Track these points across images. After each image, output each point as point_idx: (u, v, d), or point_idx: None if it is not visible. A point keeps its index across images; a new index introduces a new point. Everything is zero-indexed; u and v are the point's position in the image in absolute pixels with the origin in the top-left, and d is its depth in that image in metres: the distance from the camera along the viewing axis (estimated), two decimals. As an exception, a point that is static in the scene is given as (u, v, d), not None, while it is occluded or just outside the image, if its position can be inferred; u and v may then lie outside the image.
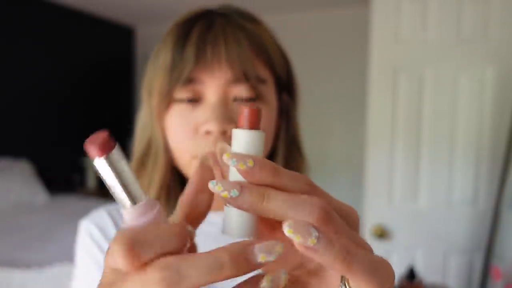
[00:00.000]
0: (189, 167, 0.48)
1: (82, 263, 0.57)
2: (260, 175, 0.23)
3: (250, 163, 0.23)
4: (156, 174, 0.50)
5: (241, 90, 0.47)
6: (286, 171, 0.24)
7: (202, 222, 0.49)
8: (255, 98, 0.48)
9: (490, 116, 1.52)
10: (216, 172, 0.27)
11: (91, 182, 3.66)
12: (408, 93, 1.54)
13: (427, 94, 1.54)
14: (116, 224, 0.57)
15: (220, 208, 0.52)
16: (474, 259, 1.58)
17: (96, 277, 0.54)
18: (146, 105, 0.52)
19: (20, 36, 3.25)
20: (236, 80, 0.46)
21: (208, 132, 0.46)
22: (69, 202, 3.03)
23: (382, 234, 1.55)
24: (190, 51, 0.45)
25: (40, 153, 3.34)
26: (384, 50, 1.53)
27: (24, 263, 1.91)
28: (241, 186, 0.23)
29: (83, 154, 3.70)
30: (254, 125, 0.25)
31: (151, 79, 0.50)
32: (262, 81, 0.48)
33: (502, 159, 1.48)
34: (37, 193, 3.02)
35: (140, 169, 0.52)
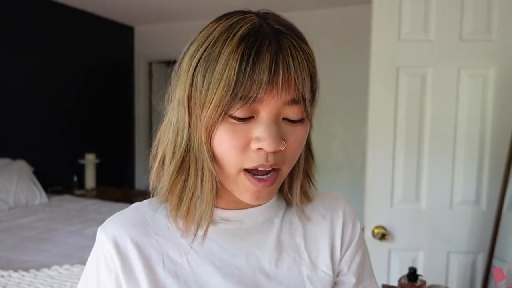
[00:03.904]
0: (234, 178, 0.50)
1: (86, 282, 0.56)
2: None
3: None
4: (205, 183, 0.51)
5: (293, 112, 0.49)
6: None
7: (221, 220, 0.56)
8: (303, 119, 0.50)
9: (492, 116, 1.51)
10: None
11: (89, 183, 3.63)
12: (409, 93, 1.53)
13: (428, 94, 1.53)
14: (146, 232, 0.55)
15: (236, 207, 0.56)
16: (476, 261, 1.57)
17: None
18: (183, 109, 0.50)
19: (19, 36, 3.23)
20: (292, 102, 0.48)
21: (260, 149, 0.47)
22: (67, 203, 3.02)
23: (383, 235, 1.53)
24: (262, 73, 0.45)
25: (38, 154, 3.32)
26: (385, 50, 1.52)
27: (21, 264, 1.89)
28: None
29: (81, 154, 3.68)
30: None
31: (201, 89, 0.48)
32: (310, 102, 0.51)
33: (504, 159, 1.47)
34: (35, 194, 3.00)
35: (178, 173, 0.52)
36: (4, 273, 1.75)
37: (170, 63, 0.57)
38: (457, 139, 1.53)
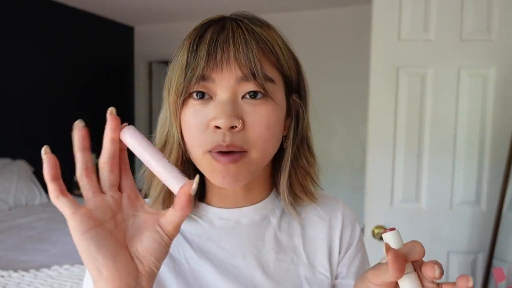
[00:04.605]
0: (201, 161, 0.52)
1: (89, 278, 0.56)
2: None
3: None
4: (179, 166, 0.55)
5: (248, 88, 0.50)
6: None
7: (217, 219, 0.59)
8: (263, 94, 0.51)
9: (492, 116, 1.51)
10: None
11: (89, 183, 3.63)
12: (409, 93, 1.53)
13: (428, 94, 1.53)
14: None
15: (231, 205, 0.58)
16: (476, 261, 1.57)
17: None
18: (165, 103, 0.56)
19: (19, 36, 3.23)
20: (244, 79, 0.49)
21: (217, 127, 0.49)
22: (67, 203, 3.01)
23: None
24: (202, 51, 0.49)
25: (38, 154, 3.30)
26: (385, 50, 1.52)
27: (21, 264, 1.89)
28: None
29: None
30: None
31: (170, 78, 0.54)
32: (269, 79, 0.51)
33: (504, 159, 1.47)
34: (35, 194, 3.00)
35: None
36: (4, 273, 1.75)
37: (170, 63, 0.59)
38: (457, 139, 1.53)
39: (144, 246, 0.37)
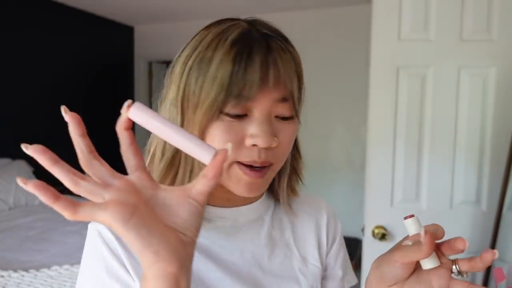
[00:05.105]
0: (226, 170, 0.53)
1: (94, 276, 0.54)
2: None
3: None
4: (192, 176, 0.54)
5: (283, 109, 0.52)
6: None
7: (215, 218, 0.59)
8: (293, 117, 0.54)
9: (493, 116, 1.51)
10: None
11: (89, 183, 3.63)
12: (409, 92, 1.53)
13: (428, 94, 1.52)
14: None
15: (229, 205, 0.59)
16: (476, 261, 1.57)
17: None
18: (175, 110, 0.54)
19: (19, 36, 3.23)
20: (281, 100, 0.52)
21: (254, 145, 0.51)
22: (67, 203, 3.01)
23: (383, 235, 1.53)
24: (254, 73, 0.49)
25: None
26: (385, 49, 1.52)
27: (21, 264, 1.89)
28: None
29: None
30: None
31: (194, 90, 0.51)
32: (299, 101, 0.55)
33: (505, 159, 1.47)
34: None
35: (168, 169, 0.55)
36: (4, 273, 1.75)
37: (170, 63, 0.60)
38: (458, 139, 1.53)
39: (182, 219, 0.37)
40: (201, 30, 0.55)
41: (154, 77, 4.52)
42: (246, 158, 0.51)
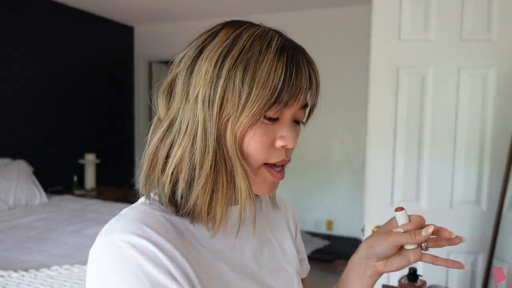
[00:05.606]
0: (256, 171, 0.55)
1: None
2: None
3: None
4: (240, 182, 0.53)
5: (302, 114, 0.58)
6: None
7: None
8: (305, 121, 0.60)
9: (493, 115, 1.51)
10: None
11: (89, 183, 3.63)
12: (409, 92, 1.53)
13: (429, 94, 1.52)
14: (182, 235, 0.54)
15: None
16: (476, 261, 1.57)
17: None
18: (209, 110, 0.52)
19: (18, 36, 3.23)
20: (305, 106, 0.57)
21: (283, 146, 0.55)
22: (67, 203, 3.01)
23: (383, 235, 1.53)
24: (304, 82, 0.53)
25: (38, 154, 3.31)
26: (385, 49, 1.52)
27: (21, 264, 1.89)
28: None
29: (81, 154, 3.68)
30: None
31: (242, 90, 0.51)
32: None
33: (505, 159, 1.47)
34: (34, 194, 3.00)
35: (209, 180, 0.53)
36: (4, 273, 1.75)
37: (170, 63, 0.57)
38: (458, 139, 1.53)
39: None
40: (224, 29, 0.54)
41: (154, 77, 4.52)
42: (276, 158, 0.55)
